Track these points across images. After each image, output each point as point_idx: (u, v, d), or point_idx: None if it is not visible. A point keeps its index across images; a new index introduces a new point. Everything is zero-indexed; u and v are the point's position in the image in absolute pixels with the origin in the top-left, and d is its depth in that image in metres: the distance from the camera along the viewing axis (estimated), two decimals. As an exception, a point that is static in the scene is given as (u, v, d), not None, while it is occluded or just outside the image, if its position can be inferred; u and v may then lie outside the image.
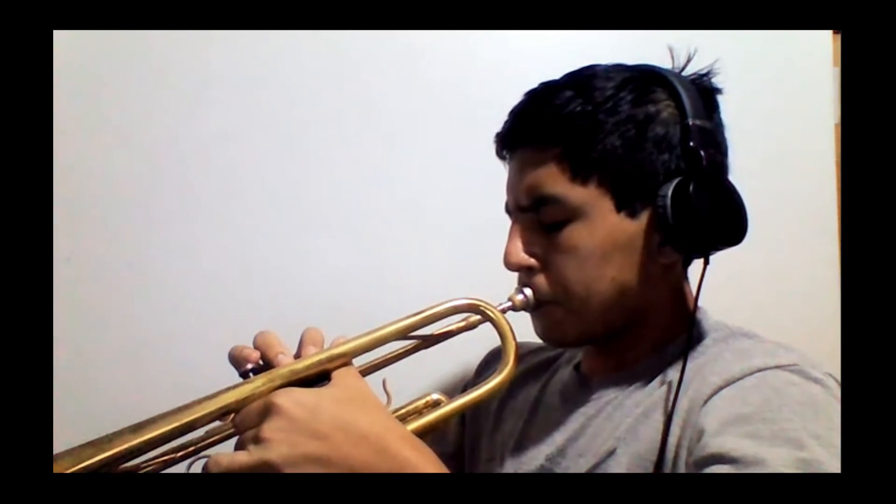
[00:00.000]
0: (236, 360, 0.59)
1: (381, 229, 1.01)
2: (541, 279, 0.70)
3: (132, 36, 0.96)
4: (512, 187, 0.73)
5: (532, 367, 0.85)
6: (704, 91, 0.71)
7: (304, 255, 1.00)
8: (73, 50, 0.94)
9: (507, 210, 0.74)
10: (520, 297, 0.70)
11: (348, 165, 1.01)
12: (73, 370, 0.92)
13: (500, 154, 0.75)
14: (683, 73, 0.72)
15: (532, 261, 0.70)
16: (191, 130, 0.99)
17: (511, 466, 0.77)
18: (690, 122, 0.67)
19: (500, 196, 0.75)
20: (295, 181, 1.00)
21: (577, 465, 0.70)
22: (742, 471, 0.52)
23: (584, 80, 0.70)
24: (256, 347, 0.59)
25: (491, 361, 0.87)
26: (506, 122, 0.73)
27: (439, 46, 1.03)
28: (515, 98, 0.73)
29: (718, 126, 0.72)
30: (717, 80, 0.73)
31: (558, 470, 0.71)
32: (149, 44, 0.97)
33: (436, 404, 0.65)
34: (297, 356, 0.59)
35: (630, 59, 0.73)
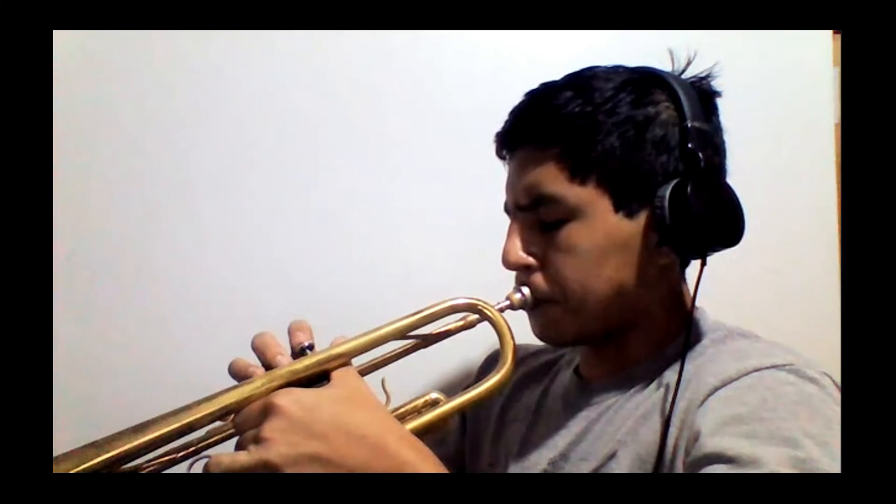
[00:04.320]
0: (238, 375, 0.58)
1: (379, 229, 1.01)
2: (539, 278, 0.70)
3: (132, 36, 0.96)
4: (511, 186, 0.73)
5: (532, 370, 0.86)
6: (703, 94, 0.71)
7: (303, 254, 1.00)
8: (73, 50, 0.94)
9: (507, 209, 0.75)
10: (518, 295, 0.70)
11: (347, 165, 1.01)
12: (73, 369, 0.92)
13: (499, 154, 0.75)
14: (683, 76, 0.72)
15: (530, 259, 0.70)
16: (191, 130, 0.99)
17: (514, 471, 0.77)
18: (689, 125, 0.67)
19: (499, 196, 0.75)
20: (294, 181, 1.00)
21: (579, 469, 0.70)
22: (738, 470, 0.52)
23: (583, 80, 0.70)
24: (254, 349, 0.59)
25: (492, 364, 0.87)
26: (506, 122, 0.73)
27: (439, 46, 1.03)
28: (515, 98, 0.73)
29: (717, 128, 0.72)
30: (716, 82, 0.73)
31: None
32: (149, 44, 0.97)
33: (434, 403, 0.65)
34: (292, 349, 0.59)
35: (631, 61, 0.74)
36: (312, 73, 1.01)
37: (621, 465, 0.66)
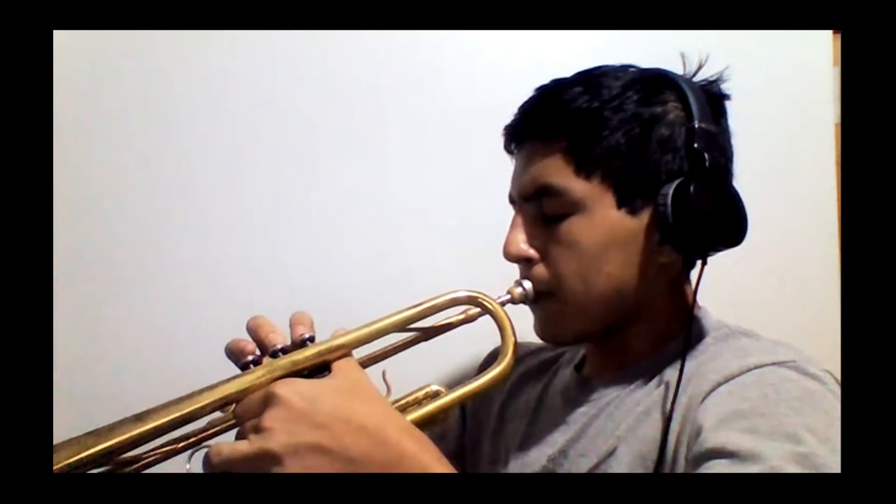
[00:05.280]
0: (233, 352, 0.59)
1: (379, 229, 1.01)
2: (539, 269, 0.70)
3: (132, 36, 0.96)
4: (517, 178, 0.73)
5: (533, 368, 0.86)
6: (712, 96, 0.72)
7: (303, 254, 1.00)
8: (73, 50, 0.94)
9: (511, 200, 0.75)
10: (519, 290, 0.70)
11: (347, 165, 1.01)
12: (73, 369, 0.92)
13: (507, 147, 0.76)
14: (694, 79, 0.73)
15: (531, 251, 0.71)
16: (191, 130, 0.99)
17: (514, 468, 0.77)
18: (696, 125, 0.67)
19: (501, 190, 0.76)
20: (295, 176, 1.00)
21: (578, 465, 0.70)
22: (739, 465, 0.52)
23: (593, 78, 0.71)
24: (248, 330, 0.59)
25: (493, 359, 0.87)
26: (515, 116, 0.74)
27: (439, 46, 1.03)
28: (515, 98, 0.74)
29: (724, 131, 0.73)
30: (725, 85, 0.73)
31: (561, 471, 0.71)
32: (149, 44, 0.97)
33: (435, 395, 0.65)
34: (292, 340, 0.59)
35: (631, 61, 0.74)
36: (312, 73, 1.01)
37: (621, 462, 0.66)
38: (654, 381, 0.69)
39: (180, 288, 0.98)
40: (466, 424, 0.89)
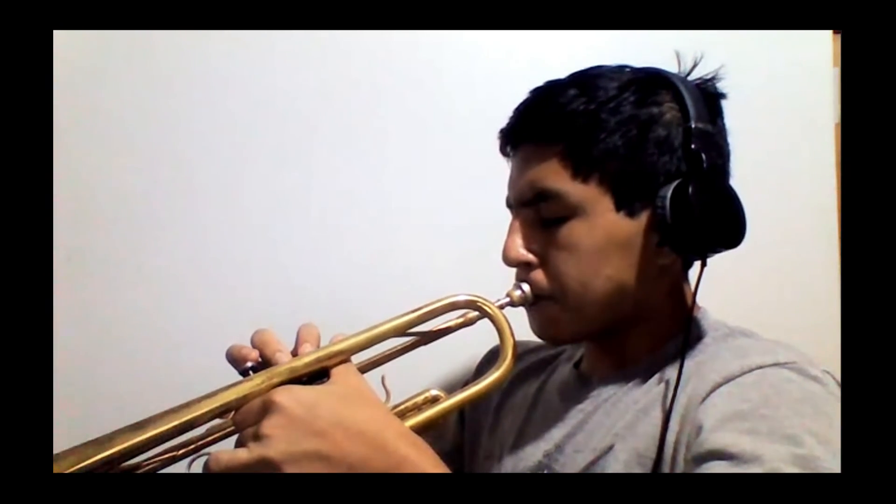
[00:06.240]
0: (234, 358, 0.59)
1: (379, 229, 1.01)
2: (538, 274, 0.70)
3: (132, 36, 0.96)
4: (514, 182, 0.73)
5: (531, 365, 0.86)
6: (708, 95, 0.71)
7: (302, 254, 1.00)
8: (73, 50, 0.94)
9: (509, 205, 0.75)
10: (517, 292, 0.70)
11: (346, 165, 1.01)
12: (73, 370, 0.92)
13: (503, 150, 0.75)
14: (689, 78, 0.72)
15: (530, 256, 0.70)
16: (191, 130, 0.99)
17: (509, 463, 0.77)
18: (693, 125, 0.67)
19: (499, 196, 0.75)
20: (294, 181, 1.00)
21: (574, 461, 0.70)
22: (740, 466, 0.52)
23: (588, 79, 0.70)
24: (254, 345, 0.59)
25: (491, 360, 0.87)
26: (510, 119, 0.73)
27: (439, 46, 1.03)
28: (515, 99, 0.73)
29: (721, 130, 0.72)
30: (721, 84, 0.73)
31: (556, 466, 0.71)
32: (149, 44, 0.97)
33: (434, 400, 0.65)
34: (294, 353, 0.59)
35: (631, 61, 0.74)
36: (312, 73, 1.01)
37: (618, 459, 0.66)
38: (653, 380, 0.69)
39: (180, 288, 0.98)
40: (465, 423, 0.89)
